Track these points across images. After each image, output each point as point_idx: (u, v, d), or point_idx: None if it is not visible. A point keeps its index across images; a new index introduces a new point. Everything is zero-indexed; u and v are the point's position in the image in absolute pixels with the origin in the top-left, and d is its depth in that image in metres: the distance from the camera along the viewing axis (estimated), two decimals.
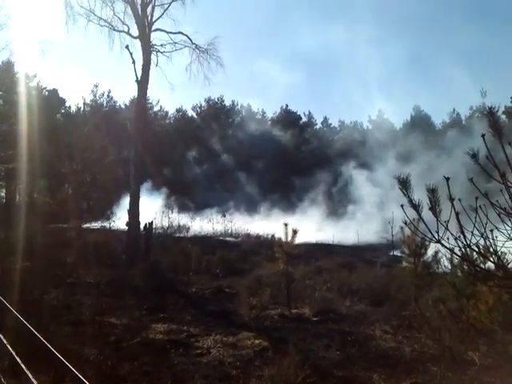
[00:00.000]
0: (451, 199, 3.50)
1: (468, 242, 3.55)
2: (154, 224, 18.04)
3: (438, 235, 3.60)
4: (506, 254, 4.11)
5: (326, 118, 58.25)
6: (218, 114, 55.74)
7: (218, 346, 7.50)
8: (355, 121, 57.09)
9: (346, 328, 8.54)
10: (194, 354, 7.14)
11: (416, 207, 3.74)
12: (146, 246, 15.79)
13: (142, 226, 16.46)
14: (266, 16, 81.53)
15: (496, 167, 3.47)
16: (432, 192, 3.58)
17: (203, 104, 57.02)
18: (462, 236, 3.52)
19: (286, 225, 9.59)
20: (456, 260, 7.05)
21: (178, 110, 57.29)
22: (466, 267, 4.84)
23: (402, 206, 3.71)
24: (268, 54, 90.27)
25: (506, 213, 3.53)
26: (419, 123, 47.20)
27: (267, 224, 26.51)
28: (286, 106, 57.05)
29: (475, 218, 3.54)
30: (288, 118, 54.86)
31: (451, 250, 3.78)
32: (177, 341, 7.73)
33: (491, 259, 3.74)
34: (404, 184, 3.66)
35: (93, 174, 27.15)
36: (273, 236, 18.34)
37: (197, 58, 19.05)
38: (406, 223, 3.80)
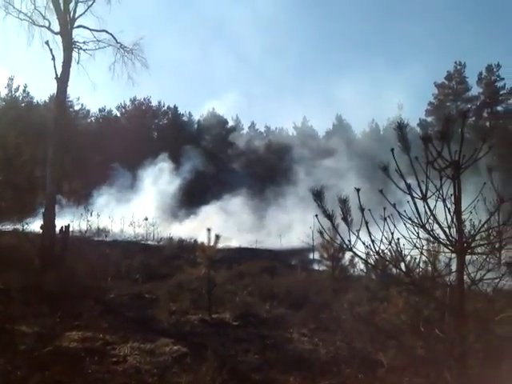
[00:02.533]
0: (361, 209, 3.69)
1: (377, 250, 3.76)
2: (71, 227, 17.23)
3: (350, 243, 3.79)
4: (413, 260, 4.40)
5: (253, 123, 59.15)
6: (143, 114, 54.59)
7: (135, 353, 7.29)
8: (281, 127, 58.56)
9: (265, 332, 8.65)
10: (110, 362, 6.88)
11: (330, 217, 3.90)
12: (61, 250, 15.03)
13: (58, 229, 15.66)
14: (195, 15, 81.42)
15: (403, 179, 3.71)
16: (343, 202, 3.76)
17: (128, 104, 55.70)
18: (371, 244, 3.74)
19: (209, 230, 9.56)
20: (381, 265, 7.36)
21: (100, 110, 55.52)
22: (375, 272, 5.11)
23: (316, 215, 3.85)
24: (198, 55, 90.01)
25: (411, 222, 3.79)
26: (340, 132, 49.30)
27: (191, 228, 26.34)
28: (213, 109, 57.15)
29: (383, 226, 3.77)
30: (215, 121, 54.96)
31: (361, 258, 3.99)
32: (92, 349, 7.40)
33: (398, 266, 3.99)
34: (318, 195, 3.81)
35: (5, 174, 25.36)
36: (195, 241, 18.27)
37: (121, 57, 18.57)
38: (321, 232, 3.96)
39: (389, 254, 4.11)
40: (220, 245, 10.15)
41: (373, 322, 7.39)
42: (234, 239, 24.98)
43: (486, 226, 3.74)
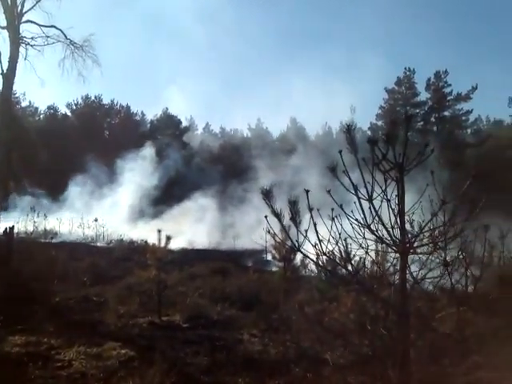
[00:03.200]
0: (310, 209, 3.73)
1: (324, 250, 3.82)
2: (16, 228, 16.47)
3: (298, 243, 3.82)
4: (360, 260, 4.48)
5: (207, 124, 58.89)
6: (94, 112, 53.22)
7: (80, 357, 7.07)
8: (236, 128, 58.63)
9: (215, 333, 8.60)
10: (54, 367, 6.65)
11: (278, 216, 3.92)
12: (5, 252, 14.34)
13: (1, 231, 14.93)
14: (149, 13, 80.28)
15: (350, 180, 3.78)
16: (293, 204, 3.79)
17: (79, 101, 54.17)
18: (318, 244, 3.78)
19: (159, 231, 9.41)
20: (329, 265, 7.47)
21: (49, 107, 53.69)
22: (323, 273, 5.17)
23: (265, 216, 3.86)
24: (150, 54, 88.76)
25: (358, 223, 3.86)
26: (294, 134, 49.88)
27: (142, 230, 25.83)
28: (167, 109, 56.45)
29: (331, 227, 3.82)
30: (168, 122, 54.32)
31: (310, 258, 4.03)
32: (36, 353, 7.12)
33: (345, 266, 4.06)
34: (267, 195, 3.82)
35: None
36: (146, 242, 17.90)
37: (71, 53, 18.15)
38: (269, 232, 3.97)
39: (337, 254, 4.18)
40: (173, 246, 10.02)
41: (321, 322, 7.48)
42: (188, 240, 24.75)
43: (428, 226, 3.86)
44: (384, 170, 3.78)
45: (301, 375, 6.34)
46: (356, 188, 3.68)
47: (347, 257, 4.05)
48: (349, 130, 4.30)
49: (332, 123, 53.24)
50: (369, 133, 49.05)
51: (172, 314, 9.78)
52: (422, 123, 49.38)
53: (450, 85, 47.65)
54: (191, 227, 29.07)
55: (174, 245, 14.95)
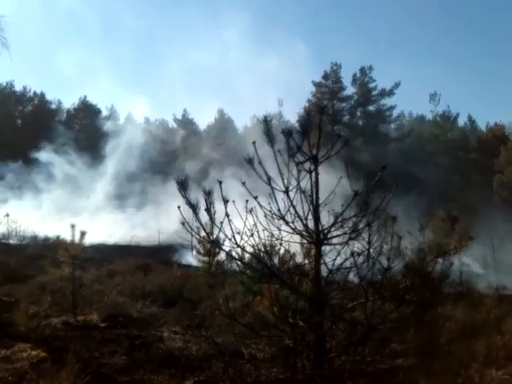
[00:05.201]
0: (225, 201, 3.65)
1: (238, 243, 3.75)
2: None
3: (213, 235, 3.72)
4: (278, 252, 4.47)
5: (130, 114, 57.07)
6: (4, 100, 49.72)
7: None
8: (161, 118, 57.40)
9: (134, 332, 8.30)
10: None
11: (194, 208, 3.79)
12: None
13: None
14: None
15: (265, 172, 3.74)
16: (207, 194, 3.68)
17: None
18: (233, 237, 3.71)
19: (73, 226, 8.89)
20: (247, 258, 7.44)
21: None
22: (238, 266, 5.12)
23: (178, 207, 3.72)
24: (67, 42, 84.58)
25: (272, 214, 3.83)
26: (222, 126, 49.82)
27: (58, 225, 24.52)
28: (85, 97, 54.04)
29: (246, 218, 3.76)
30: (86, 110, 52.04)
31: (225, 250, 3.95)
32: None
33: (261, 258, 4.03)
34: (182, 185, 3.68)
35: None
36: (58, 238, 17.00)
37: None
38: (183, 224, 3.84)
39: (254, 246, 4.12)
40: (92, 242, 9.53)
41: (243, 317, 7.47)
42: (108, 236, 23.89)
43: (342, 217, 3.92)
44: (298, 161, 3.78)
45: (221, 370, 6.25)
46: (269, 179, 3.64)
47: (264, 249, 4.01)
48: (265, 120, 4.26)
49: (261, 116, 53.48)
50: (296, 126, 49.89)
51: (88, 314, 9.32)
52: (348, 117, 51.10)
53: (374, 80, 49.61)
54: (112, 222, 28.08)
55: (93, 240, 14.33)
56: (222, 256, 14.23)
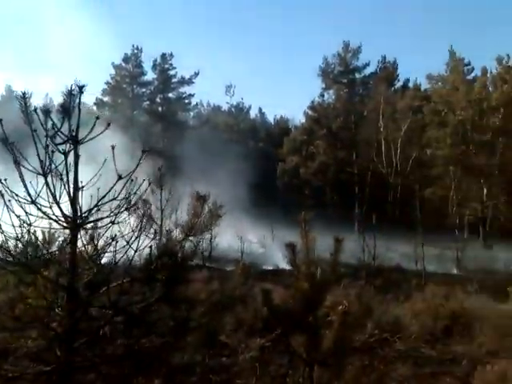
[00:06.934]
0: None
1: None
2: None
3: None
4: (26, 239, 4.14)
5: None
6: None
7: None
8: None
9: None
10: None
11: None
12: None
13: None
14: None
15: (12, 153, 3.44)
16: None
17: None
18: None
19: None
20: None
21: None
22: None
23: None
24: None
25: (19, 199, 3.57)
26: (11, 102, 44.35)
27: None
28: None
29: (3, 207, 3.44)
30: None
31: None
32: None
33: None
34: None
35: None
36: None
37: None
38: None
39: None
40: None
41: (13, 309, 6.86)
42: None
43: (103, 201, 3.85)
44: (55, 143, 3.58)
45: None
46: (17, 161, 3.37)
47: (17, 237, 3.72)
48: (24, 97, 3.95)
49: (54, 94, 49.05)
50: (94, 108, 47.38)
51: None
52: (148, 103, 50.38)
53: (175, 68, 49.60)
54: None
55: None
56: None
